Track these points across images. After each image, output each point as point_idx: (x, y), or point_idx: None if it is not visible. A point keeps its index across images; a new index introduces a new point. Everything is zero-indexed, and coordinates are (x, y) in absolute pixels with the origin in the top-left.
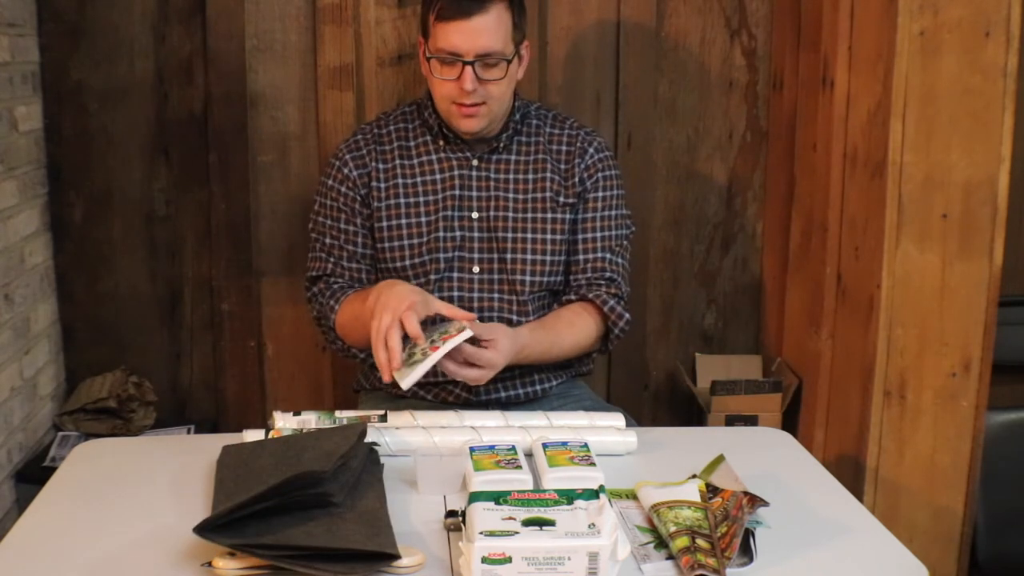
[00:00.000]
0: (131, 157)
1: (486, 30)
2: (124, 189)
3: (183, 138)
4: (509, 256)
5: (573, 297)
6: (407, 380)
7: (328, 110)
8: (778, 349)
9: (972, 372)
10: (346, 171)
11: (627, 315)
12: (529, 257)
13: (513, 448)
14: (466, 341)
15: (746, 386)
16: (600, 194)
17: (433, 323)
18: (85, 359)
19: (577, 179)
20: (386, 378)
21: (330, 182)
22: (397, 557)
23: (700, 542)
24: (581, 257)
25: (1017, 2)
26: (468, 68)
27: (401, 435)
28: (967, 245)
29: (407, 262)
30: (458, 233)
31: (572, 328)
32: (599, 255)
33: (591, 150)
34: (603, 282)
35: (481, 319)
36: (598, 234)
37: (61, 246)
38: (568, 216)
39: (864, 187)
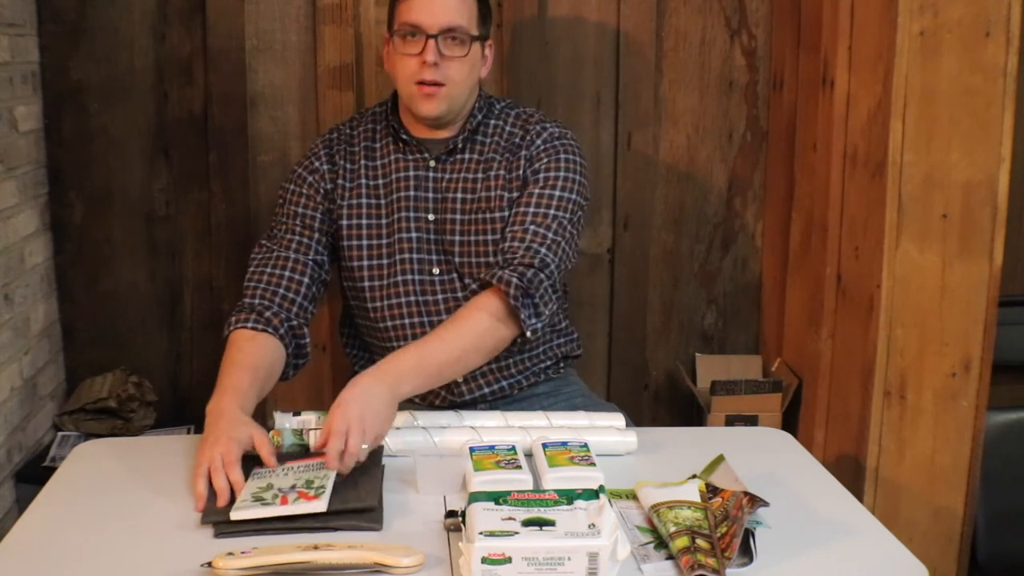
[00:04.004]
0: (131, 157)
1: (451, 6)
2: (124, 189)
3: (183, 138)
4: (457, 260)
5: (476, 287)
6: (241, 513)
7: (328, 110)
8: (778, 349)
9: (972, 372)
10: (317, 164)
11: (522, 294)
12: (474, 260)
13: (513, 448)
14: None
15: (746, 386)
16: (541, 176)
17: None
18: (85, 359)
19: (521, 171)
20: (199, 508)
21: (299, 170)
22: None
23: (700, 542)
24: (508, 231)
25: (1017, 2)
26: (431, 41)
27: (401, 435)
28: (967, 245)
29: (364, 262)
30: (415, 235)
31: (452, 338)
32: (525, 227)
33: (539, 141)
34: (520, 252)
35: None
36: (531, 210)
37: (61, 246)
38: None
39: (864, 187)
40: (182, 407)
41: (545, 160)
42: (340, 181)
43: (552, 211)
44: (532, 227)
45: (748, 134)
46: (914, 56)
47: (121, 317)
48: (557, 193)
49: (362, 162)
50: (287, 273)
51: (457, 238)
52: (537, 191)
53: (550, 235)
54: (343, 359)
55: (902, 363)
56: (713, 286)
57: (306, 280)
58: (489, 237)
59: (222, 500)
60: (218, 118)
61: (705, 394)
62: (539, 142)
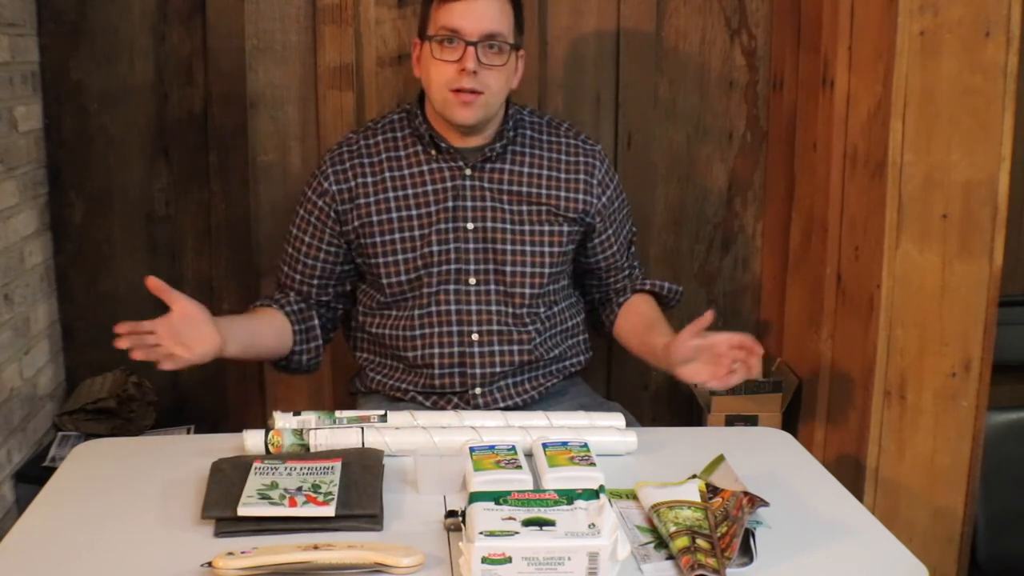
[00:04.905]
0: (131, 157)
1: (491, 13)
2: (124, 189)
3: (183, 138)
4: (508, 269)
5: (629, 295)
6: (248, 510)
7: (328, 110)
8: (778, 349)
9: (972, 372)
10: (326, 184)
11: (675, 285)
12: (528, 270)
13: (513, 448)
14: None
15: (746, 386)
16: (615, 206)
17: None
18: (85, 359)
19: (583, 194)
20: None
21: (308, 192)
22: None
23: (700, 542)
24: (620, 263)
25: (1017, 2)
26: (471, 48)
27: (401, 435)
28: (967, 245)
29: (402, 277)
30: (452, 245)
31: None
32: (629, 253)
33: (597, 163)
34: (638, 272)
35: (479, 332)
36: (623, 239)
37: (61, 246)
38: (566, 228)
39: (864, 187)
40: (182, 407)
41: (611, 185)
42: (360, 200)
43: (630, 226)
44: (633, 251)
45: (748, 134)
46: (914, 56)
47: (121, 317)
48: (625, 214)
49: (386, 174)
50: (298, 328)
51: (508, 247)
52: (629, 227)
53: (638, 251)
54: (343, 359)
55: (902, 363)
56: (713, 286)
57: (318, 329)
58: (546, 248)
59: (125, 342)
60: (218, 118)
61: (705, 394)
62: (597, 163)
